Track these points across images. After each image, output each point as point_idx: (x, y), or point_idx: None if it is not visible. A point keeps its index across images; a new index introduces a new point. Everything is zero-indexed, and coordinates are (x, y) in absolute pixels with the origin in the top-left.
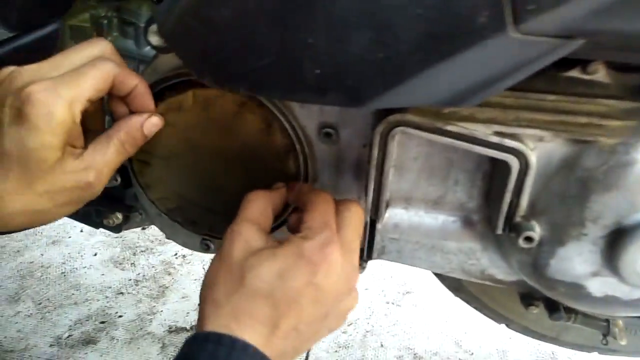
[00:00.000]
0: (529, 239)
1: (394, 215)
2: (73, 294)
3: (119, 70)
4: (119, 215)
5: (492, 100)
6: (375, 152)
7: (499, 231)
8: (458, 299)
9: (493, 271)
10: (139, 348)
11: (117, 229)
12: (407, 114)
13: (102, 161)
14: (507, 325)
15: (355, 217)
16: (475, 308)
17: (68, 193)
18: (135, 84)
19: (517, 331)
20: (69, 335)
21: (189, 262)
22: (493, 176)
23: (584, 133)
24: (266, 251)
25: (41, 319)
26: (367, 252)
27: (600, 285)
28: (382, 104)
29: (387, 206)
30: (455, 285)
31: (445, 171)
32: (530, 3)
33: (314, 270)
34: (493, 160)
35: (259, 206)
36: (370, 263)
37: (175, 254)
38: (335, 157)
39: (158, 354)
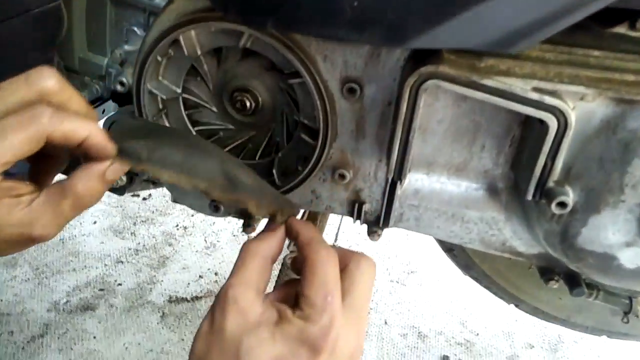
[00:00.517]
0: (562, 205)
1: (414, 180)
2: (71, 260)
3: (60, 124)
4: (123, 177)
5: (532, 54)
6: (404, 107)
7: (529, 197)
8: (463, 280)
9: (515, 243)
10: (138, 316)
11: (120, 190)
12: (441, 66)
13: (52, 216)
14: (516, 306)
15: (366, 277)
16: (485, 287)
17: (14, 243)
18: (85, 135)
19: (526, 312)
20: (67, 301)
21: (190, 234)
22: (524, 140)
23: (630, 92)
24: (264, 330)
25: (38, 284)
26: (383, 220)
27: (632, 256)
28: (425, 43)
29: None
30: (467, 263)
31: (471, 135)
32: None
33: (317, 357)
34: (524, 123)
35: (259, 264)
36: (370, 241)
37: (177, 225)
38: (358, 116)
39: (158, 323)
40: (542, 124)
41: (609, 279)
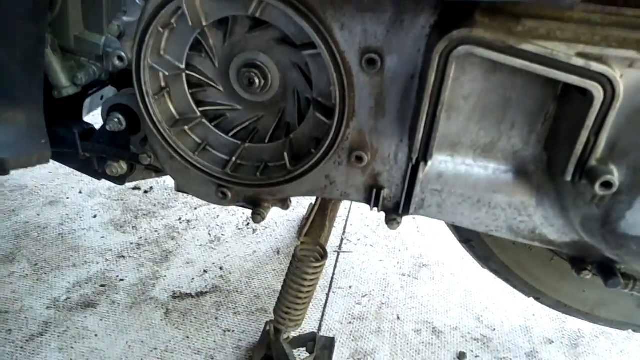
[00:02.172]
0: (607, 185)
1: (437, 163)
2: (71, 255)
3: None
4: (123, 165)
5: (576, 15)
6: (432, 78)
7: (568, 177)
8: (476, 273)
9: (545, 230)
10: (141, 313)
11: (120, 179)
12: (475, 29)
13: None
14: (536, 299)
15: None
16: (505, 280)
17: None
18: None
19: (547, 305)
20: (67, 298)
21: (194, 228)
22: (561, 116)
23: None
24: None
25: (37, 280)
26: (403, 207)
27: None
28: None
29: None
30: (486, 254)
31: (500, 112)
32: None
33: None
34: (561, 97)
35: None
36: (382, 234)
37: (180, 219)
38: (378, 92)
39: (161, 320)
40: (585, 94)
41: None
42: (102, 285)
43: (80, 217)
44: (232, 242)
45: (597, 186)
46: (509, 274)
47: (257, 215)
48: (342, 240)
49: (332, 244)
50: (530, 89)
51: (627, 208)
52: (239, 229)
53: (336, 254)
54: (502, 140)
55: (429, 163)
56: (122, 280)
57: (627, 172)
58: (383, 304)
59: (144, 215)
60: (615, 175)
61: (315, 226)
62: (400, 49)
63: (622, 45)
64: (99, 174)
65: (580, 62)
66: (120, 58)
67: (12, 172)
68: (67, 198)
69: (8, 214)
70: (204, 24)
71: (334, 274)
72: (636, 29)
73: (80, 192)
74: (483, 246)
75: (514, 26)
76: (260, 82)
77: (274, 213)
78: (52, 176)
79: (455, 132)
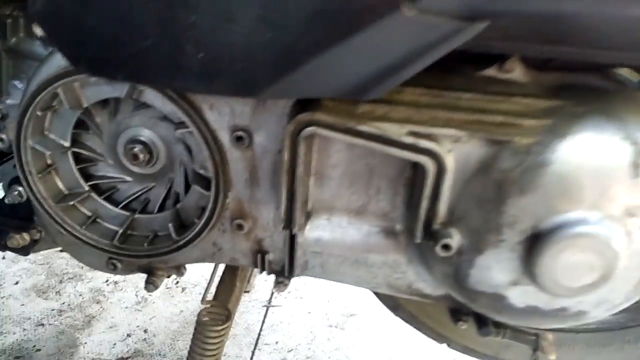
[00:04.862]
0: (446, 247)
1: (315, 227)
2: None
3: None
4: (25, 236)
5: (407, 98)
6: (286, 155)
7: (418, 240)
8: (403, 322)
9: (420, 285)
10: None
11: (23, 250)
12: (317, 113)
13: None
14: (448, 345)
15: None
16: (415, 327)
17: None
18: None
19: (458, 350)
20: None
21: (121, 289)
22: (414, 181)
23: (499, 133)
24: None
25: None
26: (288, 269)
27: (520, 295)
28: (275, 94)
29: (308, 218)
30: (393, 304)
31: (366, 178)
32: None
33: None
34: (415, 165)
35: None
36: (313, 285)
37: (107, 281)
38: (251, 164)
39: None
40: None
41: (504, 318)
42: (17, 357)
43: (1, 285)
44: (160, 302)
45: (438, 248)
46: (417, 322)
47: (150, 285)
48: (272, 294)
49: (261, 298)
50: (388, 158)
51: (470, 266)
52: (168, 287)
53: (265, 308)
54: (371, 203)
55: (307, 227)
56: (38, 350)
57: (466, 234)
58: (308, 357)
59: (70, 279)
60: (455, 238)
61: (224, 287)
62: (266, 126)
63: (446, 124)
64: (1, 246)
65: (410, 140)
66: (1, 140)
67: None
68: None
69: None
70: (85, 105)
71: (261, 329)
72: (457, 109)
73: (4, 258)
74: (388, 297)
75: (354, 109)
76: (144, 156)
77: (204, 268)
78: None
79: (329, 198)
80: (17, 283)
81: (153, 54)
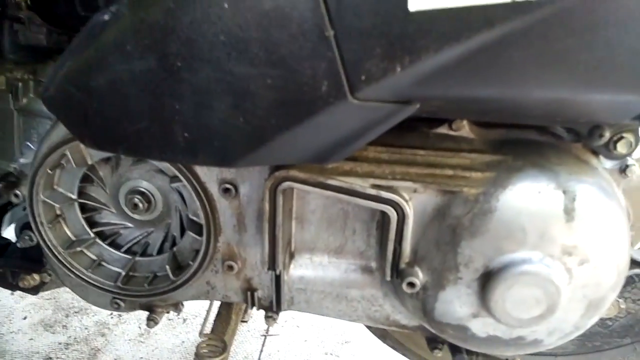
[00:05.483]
0: (411, 285)
1: (299, 266)
2: None
3: None
4: (36, 277)
5: (370, 155)
6: (266, 205)
7: (388, 278)
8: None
9: (397, 317)
10: None
11: (33, 290)
12: (291, 170)
13: None
14: None
15: None
16: (403, 354)
17: None
18: None
19: None
20: None
21: (125, 322)
22: (383, 224)
23: (450, 184)
24: None
25: None
26: (276, 304)
27: (481, 326)
28: (251, 163)
29: (291, 257)
30: (382, 332)
31: (342, 221)
32: (362, 74)
33: None
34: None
35: None
36: (308, 315)
37: (111, 314)
38: (238, 212)
39: None
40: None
41: (471, 346)
42: None
43: (10, 320)
44: (162, 333)
45: (404, 285)
46: (404, 349)
47: (151, 321)
48: None
49: (259, 328)
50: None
51: (435, 301)
52: (170, 319)
53: (263, 337)
54: (348, 243)
55: (291, 266)
56: None
57: (428, 273)
58: None
59: (75, 312)
60: (420, 276)
61: (221, 320)
62: (250, 179)
63: (404, 177)
64: (13, 286)
65: (373, 191)
66: (16, 195)
67: None
68: None
69: None
70: (90, 162)
71: (259, 358)
72: (413, 164)
73: (12, 294)
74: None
75: (324, 166)
76: (143, 205)
77: (204, 301)
78: None
79: (310, 239)
80: (25, 318)
81: (147, 133)
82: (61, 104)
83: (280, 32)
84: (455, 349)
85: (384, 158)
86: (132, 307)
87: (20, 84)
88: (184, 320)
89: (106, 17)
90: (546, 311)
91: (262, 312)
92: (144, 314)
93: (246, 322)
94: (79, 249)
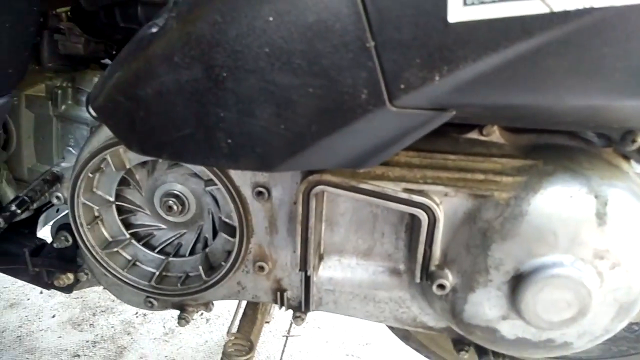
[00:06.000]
0: (441, 287)
1: (328, 267)
2: (27, 358)
3: None
4: (70, 276)
5: (401, 160)
6: (300, 209)
7: (417, 280)
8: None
9: (424, 318)
10: None
11: (67, 289)
12: (325, 174)
13: None
14: None
15: None
16: (425, 356)
17: None
18: None
19: None
20: None
21: (149, 321)
22: (413, 227)
23: (481, 188)
24: None
25: None
26: (304, 305)
27: (510, 328)
28: (289, 168)
29: (321, 259)
30: (404, 334)
31: (371, 224)
32: (400, 83)
33: None
34: (412, 214)
35: None
36: (330, 316)
37: (136, 313)
38: (270, 214)
39: None
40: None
41: (499, 348)
42: None
43: (39, 318)
44: (186, 333)
45: (434, 287)
46: (427, 351)
47: (182, 320)
48: (291, 324)
49: (281, 328)
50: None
51: (464, 303)
52: (193, 319)
53: (285, 338)
54: (377, 246)
55: (320, 268)
56: None
57: (458, 275)
58: None
59: (102, 311)
60: (449, 278)
61: (247, 320)
62: (282, 183)
63: (435, 181)
64: (48, 285)
65: (404, 195)
66: (58, 197)
67: None
68: (28, 299)
69: None
70: (128, 167)
71: (281, 359)
72: (444, 169)
73: (41, 293)
74: (399, 328)
75: (356, 170)
76: (178, 208)
77: (227, 302)
78: (14, 279)
79: (339, 242)
80: (54, 316)
81: (191, 139)
82: (110, 112)
83: (323, 44)
84: (481, 351)
85: (416, 162)
86: (164, 306)
87: (59, 92)
88: (207, 320)
89: (154, 29)
90: (577, 314)
91: (283, 313)
92: (167, 313)
93: (268, 322)
94: (115, 249)
